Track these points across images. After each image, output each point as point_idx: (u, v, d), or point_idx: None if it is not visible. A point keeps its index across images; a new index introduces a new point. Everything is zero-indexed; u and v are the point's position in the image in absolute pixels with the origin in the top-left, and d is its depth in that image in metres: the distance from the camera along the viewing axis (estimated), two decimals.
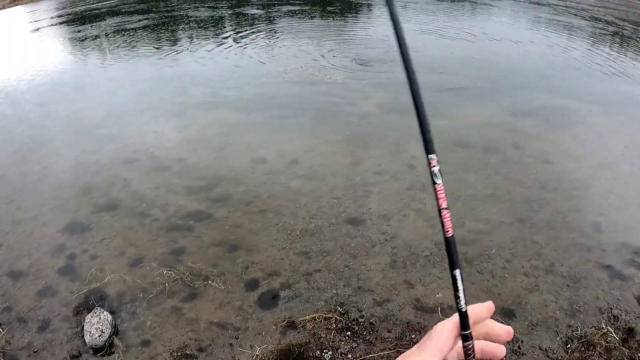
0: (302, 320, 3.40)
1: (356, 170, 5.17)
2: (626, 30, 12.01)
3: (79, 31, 11.82)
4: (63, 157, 5.67)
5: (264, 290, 3.65)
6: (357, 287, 3.70)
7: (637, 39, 11.14)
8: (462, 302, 0.58)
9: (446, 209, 0.59)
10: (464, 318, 0.57)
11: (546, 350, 3.31)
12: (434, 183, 0.60)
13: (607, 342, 3.31)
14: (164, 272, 3.84)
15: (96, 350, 3.40)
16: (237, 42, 9.89)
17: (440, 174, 0.60)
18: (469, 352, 0.57)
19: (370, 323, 3.41)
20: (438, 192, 0.60)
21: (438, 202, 0.59)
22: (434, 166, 0.60)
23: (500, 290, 3.79)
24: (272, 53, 9.07)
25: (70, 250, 4.25)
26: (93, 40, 10.88)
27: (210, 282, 3.71)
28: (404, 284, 3.76)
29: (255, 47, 9.55)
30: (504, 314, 3.56)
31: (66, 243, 4.33)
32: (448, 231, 0.59)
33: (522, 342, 3.39)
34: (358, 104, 6.79)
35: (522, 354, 3.32)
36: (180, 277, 3.76)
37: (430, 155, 0.60)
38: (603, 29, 11.89)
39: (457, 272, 0.59)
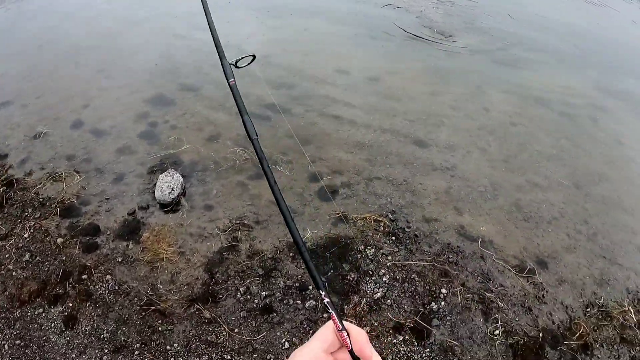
0: (354, 217, 3.42)
1: None
2: None
3: None
4: (152, 43, 5.87)
5: (326, 184, 3.68)
6: (410, 201, 3.64)
7: None
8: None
9: None
10: (339, 319, 0.77)
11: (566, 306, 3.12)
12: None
13: (625, 320, 3.07)
14: (237, 150, 3.96)
15: (163, 205, 3.61)
16: None
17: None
18: (346, 339, 0.76)
19: (415, 235, 3.38)
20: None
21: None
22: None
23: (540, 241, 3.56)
24: None
25: (152, 119, 4.47)
26: None
27: (277, 167, 3.78)
28: (454, 210, 3.65)
29: None
30: (538, 264, 3.36)
31: (150, 112, 4.55)
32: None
33: (546, 291, 3.21)
34: None
35: (544, 303, 3.15)
36: (251, 157, 3.86)
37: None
38: None
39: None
